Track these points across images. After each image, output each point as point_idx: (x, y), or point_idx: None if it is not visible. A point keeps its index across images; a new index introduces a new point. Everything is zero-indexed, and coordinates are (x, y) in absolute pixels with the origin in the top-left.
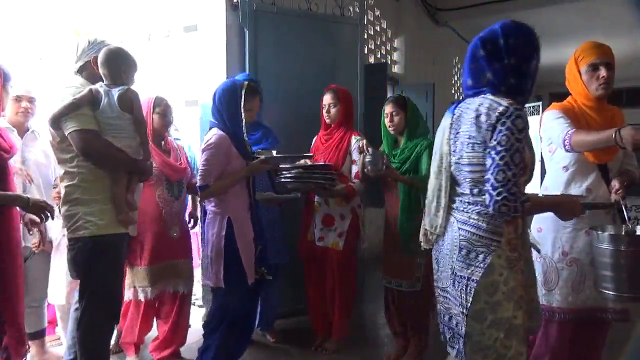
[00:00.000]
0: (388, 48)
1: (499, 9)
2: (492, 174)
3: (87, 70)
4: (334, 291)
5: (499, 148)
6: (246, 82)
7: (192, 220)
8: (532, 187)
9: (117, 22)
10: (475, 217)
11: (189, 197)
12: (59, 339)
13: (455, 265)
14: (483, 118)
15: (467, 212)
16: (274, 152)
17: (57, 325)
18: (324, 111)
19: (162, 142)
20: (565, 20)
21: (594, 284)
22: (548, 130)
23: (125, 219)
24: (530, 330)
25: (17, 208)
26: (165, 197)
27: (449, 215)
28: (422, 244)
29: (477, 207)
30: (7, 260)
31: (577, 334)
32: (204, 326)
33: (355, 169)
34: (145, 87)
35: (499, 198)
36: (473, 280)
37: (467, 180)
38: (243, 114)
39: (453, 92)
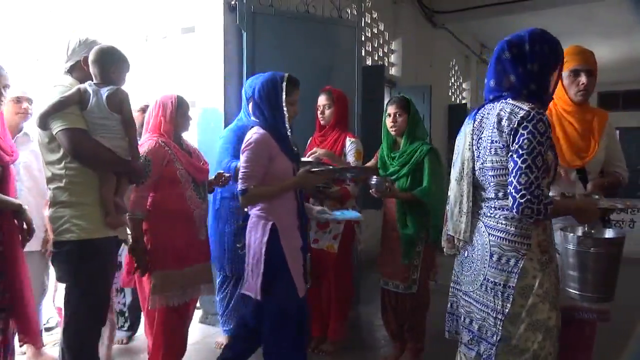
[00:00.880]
0: (385, 50)
1: (495, 12)
2: (514, 177)
3: (78, 70)
4: (329, 293)
5: (521, 151)
6: (286, 75)
7: None
8: None
9: (115, 24)
10: (503, 222)
11: None
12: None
13: (488, 272)
14: (505, 122)
15: (494, 217)
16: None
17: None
18: (319, 112)
19: (183, 143)
20: (562, 24)
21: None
22: None
23: (113, 221)
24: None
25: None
26: (195, 199)
27: (476, 221)
28: (445, 249)
29: (504, 212)
30: (12, 257)
31: (563, 334)
32: (265, 339)
33: None
34: (143, 88)
35: (522, 201)
36: (509, 287)
37: (492, 184)
38: (285, 109)
39: (450, 94)
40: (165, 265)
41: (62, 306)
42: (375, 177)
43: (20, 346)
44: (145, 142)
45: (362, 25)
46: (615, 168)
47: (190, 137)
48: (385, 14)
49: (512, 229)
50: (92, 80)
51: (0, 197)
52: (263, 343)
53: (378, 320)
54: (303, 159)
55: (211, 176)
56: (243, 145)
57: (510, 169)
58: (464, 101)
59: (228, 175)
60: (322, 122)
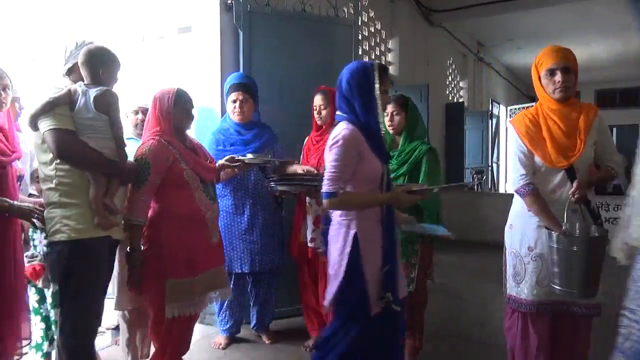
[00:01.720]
0: (382, 49)
1: (492, 11)
2: None
3: (76, 72)
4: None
5: None
6: (376, 62)
7: None
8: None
9: (111, 24)
10: None
11: None
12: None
13: None
14: None
15: None
16: (269, 156)
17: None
18: (315, 112)
19: (186, 141)
20: (558, 21)
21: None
22: (509, 149)
23: (102, 222)
24: None
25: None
26: (205, 200)
27: None
28: (619, 259)
29: None
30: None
31: (556, 329)
32: (317, 346)
33: None
34: (139, 88)
35: None
36: None
37: None
38: (379, 101)
39: (447, 93)
40: (178, 274)
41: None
42: None
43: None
44: (146, 142)
45: (359, 24)
46: (608, 162)
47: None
48: (382, 12)
49: None
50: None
51: None
52: (318, 351)
53: None
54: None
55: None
56: (330, 142)
57: None
58: (461, 100)
59: (239, 159)
60: (318, 123)
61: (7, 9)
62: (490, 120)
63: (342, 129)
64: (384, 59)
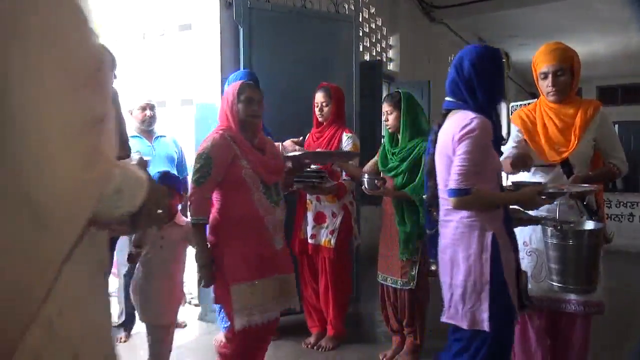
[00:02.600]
0: (383, 45)
1: (493, 7)
2: None
3: None
4: (327, 289)
5: None
6: (502, 49)
7: None
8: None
9: (112, 21)
10: None
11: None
12: None
13: None
14: None
15: None
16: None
17: None
18: (317, 109)
19: (255, 138)
20: (559, 18)
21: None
22: (509, 141)
23: None
24: None
25: None
26: (265, 204)
27: None
28: None
29: None
30: None
31: (554, 326)
32: None
33: None
34: (141, 85)
35: None
36: None
37: None
38: (506, 89)
39: None
40: (240, 278)
41: None
42: (367, 175)
43: None
44: (209, 137)
45: (360, 20)
46: (610, 159)
47: (187, 133)
48: (383, 9)
49: None
50: None
51: None
52: None
53: (378, 316)
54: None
55: None
56: (460, 132)
57: None
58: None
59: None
60: (320, 119)
61: None
62: None
63: (471, 117)
64: (385, 55)
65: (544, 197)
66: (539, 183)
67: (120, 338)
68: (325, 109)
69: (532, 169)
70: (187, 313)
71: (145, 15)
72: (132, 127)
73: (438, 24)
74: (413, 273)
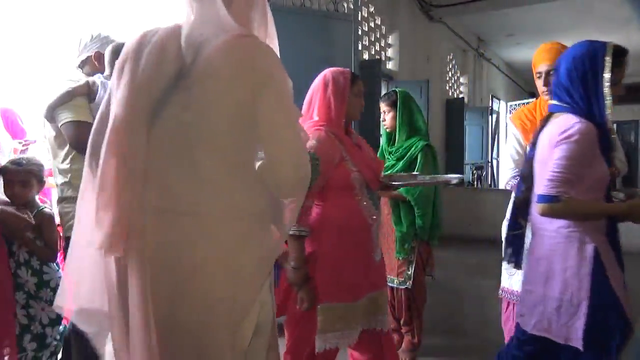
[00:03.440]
0: (382, 44)
1: (493, 6)
2: None
3: (89, 65)
4: None
5: None
6: (611, 43)
7: None
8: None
9: (109, 21)
10: None
11: None
12: None
13: None
14: None
15: None
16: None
17: None
18: None
19: (352, 135)
20: (559, 17)
21: None
22: (507, 144)
23: None
24: None
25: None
26: (372, 210)
27: None
28: None
29: None
30: None
31: None
32: None
33: None
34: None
35: None
36: None
37: None
38: (606, 91)
39: (447, 88)
40: (336, 297)
41: None
42: None
43: None
44: (311, 133)
45: (359, 19)
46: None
47: None
48: (382, 7)
49: None
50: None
51: None
52: None
53: None
54: None
55: None
56: (559, 136)
57: None
58: (461, 95)
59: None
60: None
61: (17, 6)
62: (490, 116)
63: (573, 122)
64: (383, 54)
65: None
66: (415, 172)
67: None
68: None
69: None
70: None
71: (143, 13)
72: None
73: (437, 23)
74: (409, 272)
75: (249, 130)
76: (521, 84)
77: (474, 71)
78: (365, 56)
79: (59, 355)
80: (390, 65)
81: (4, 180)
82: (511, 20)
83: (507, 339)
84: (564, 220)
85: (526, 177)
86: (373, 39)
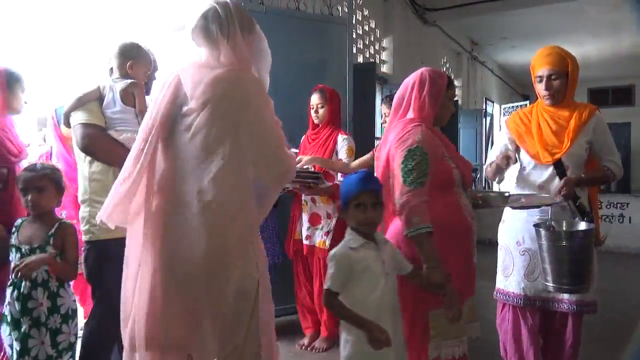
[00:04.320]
0: (377, 48)
1: (487, 10)
2: None
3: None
4: (321, 290)
5: None
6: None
7: None
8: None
9: (109, 24)
10: None
11: None
12: None
13: None
14: None
15: None
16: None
17: None
18: (312, 111)
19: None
20: (551, 21)
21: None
22: (498, 140)
23: None
24: None
25: None
26: (470, 208)
27: None
28: None
29: None
30: None
31: (547, 324)
32: None
33: None
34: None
35: None
36: None
37: None
38: None
39: None
40: (441, 302)
41: None
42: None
43: None
44: (410, 129)
45: (353, 22)
46: (605, 162)
47: None
48: (376, 11)
49: None
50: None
51: None
52: None
53: None
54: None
55: None
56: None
57: None
58: (455, 98)
59: None
60: (315, 121)
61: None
62: (484, 119)
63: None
64: (378, 57)
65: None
66: (506, 193)
67: None
68: (321, 111)
69: (526, 170)
70: None
71: (139, 17)
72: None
73: (431, 27)
74: None
75: (236, 141)
76: (515, 87)
77: (468, 74)
78: (360, 59)
79: None
80: (384, 69)
81: (20, 191)
82: (504, 24)
83: (502, 340)
84: None
85: None
86: (367, 43)
